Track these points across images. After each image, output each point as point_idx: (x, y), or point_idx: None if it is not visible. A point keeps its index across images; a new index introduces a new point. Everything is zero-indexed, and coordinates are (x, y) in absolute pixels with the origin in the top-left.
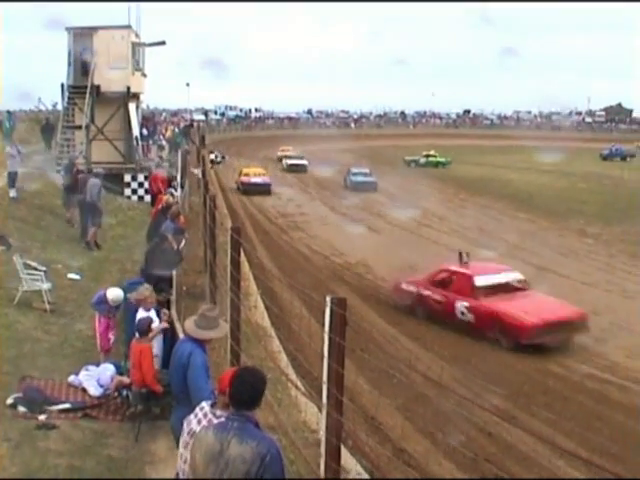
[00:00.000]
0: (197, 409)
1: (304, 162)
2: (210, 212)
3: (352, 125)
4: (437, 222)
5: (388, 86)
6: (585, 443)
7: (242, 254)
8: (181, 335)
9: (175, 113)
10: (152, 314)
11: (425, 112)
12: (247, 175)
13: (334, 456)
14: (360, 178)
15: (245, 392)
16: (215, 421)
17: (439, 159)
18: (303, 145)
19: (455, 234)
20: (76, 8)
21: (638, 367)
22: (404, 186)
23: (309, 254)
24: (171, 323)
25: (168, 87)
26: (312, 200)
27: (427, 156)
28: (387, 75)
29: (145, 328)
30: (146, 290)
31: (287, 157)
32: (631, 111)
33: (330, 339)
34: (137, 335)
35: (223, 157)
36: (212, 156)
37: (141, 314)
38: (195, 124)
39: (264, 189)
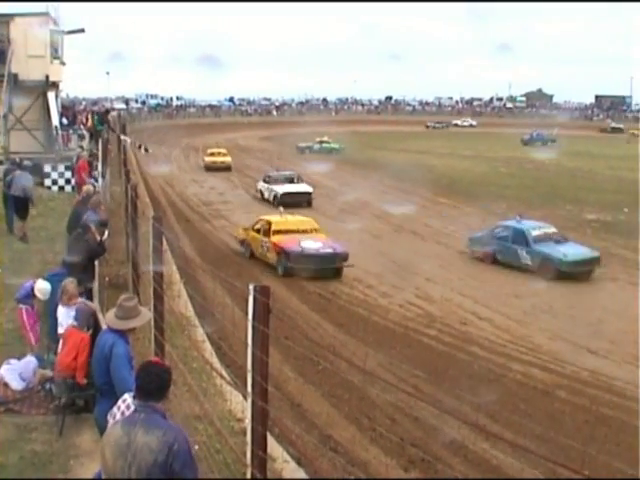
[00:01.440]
0: (120, 401)
1: (307, 189)
2: (132, 201)
3: (274, 112)
4: (360, 208)
5: (310, 74)
6: (510, 425)
7: (164, 243)
8: (104, 327)
9: (95, 102)
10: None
11: (347, 99)
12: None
13: (260, 444)
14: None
15: (152, 383)
16: None
17: (332, 145)
18: (225, 133)
19: (379, 220)
20: None
21: (560, 349)
22: (330, 174)
23: (232, 242)
24: (94, 315)
25: (88, 76)
26: (235, 188)
27: (321, 142)
28: (309, 63)
29: (86, 317)
30: (70, 283)
31: (271, 180)
32: (551, 96)
33: (254, 327)
34: (75, 323)
35: (146, 150)
36: (135, 145)
37: (61, 310)
38: (115, 112)
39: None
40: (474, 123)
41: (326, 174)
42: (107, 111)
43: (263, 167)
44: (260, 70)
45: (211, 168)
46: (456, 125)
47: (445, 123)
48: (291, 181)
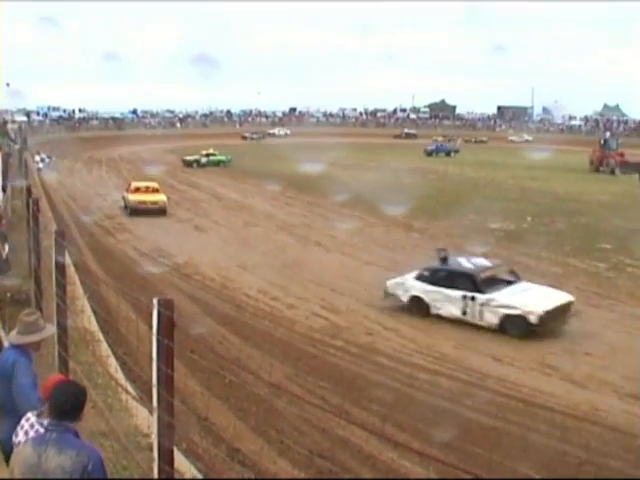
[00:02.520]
0: (23, 420)
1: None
2: (33, 216)
3: (178, 125)
4: (264, 220)
5: (213, 85)
6: (417, 434)
7: (67, 258)
8: (5, 344)
9: None
10: None
11: (251, 111)
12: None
13: (167, 459)
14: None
15: (67, 402)
16: (42, 430)
17: (220, 157)
18: (128, 146)
19: (283, 232)
20: None
21: (465, 357)
22: (234, 185)
23: (136, 256)
24: None
25: None
26: None
27: (207, 155)
28: (211, 75)
29: None
30: None
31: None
32: (454, 107)
33: (158, 341)
34: None
35: (50, 157)
36: (37, 158)
37: None
38: (16, 125)
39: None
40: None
41: (227, 186)
42: (5, 122)
43: (167, 180)
44: (163, 81)
45: (138, 211)
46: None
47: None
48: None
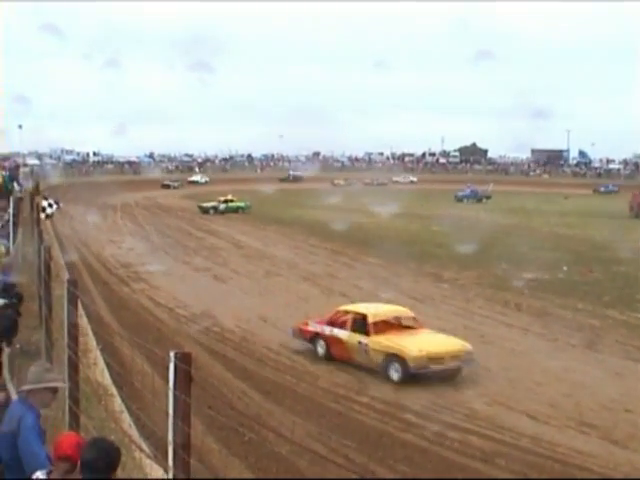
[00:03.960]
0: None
1: None
2: (45, 263)
3: (196, 169)
4: (286, 269)
5: (233, 129)
6: None
7: (80, 308)
8: (14, 397)
9: (5, 158)
10: None
11: (273, 155)
12: None
13: None
14: None
15: (101, 459)
16: None
17: (238, 204)
18: (144, 191)
19: (306, 282)
20: None
21: (498, 414)
22: (252, 233)
23: (152, 307)
24: (3, 386)
25: None
26: (155, 250)
27: (225, 201)
28: (231, 118)
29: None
30: None
31: None
32: (486, 151)
33: (175, 397)
34: None
35: (57, 203)
36: (45, 203)
37: None
38: (28, 169)
39: None
40: (414, 179)
41: (247, 233)
42: (17, 166)
43: (184, 227)
44: (180, 124)
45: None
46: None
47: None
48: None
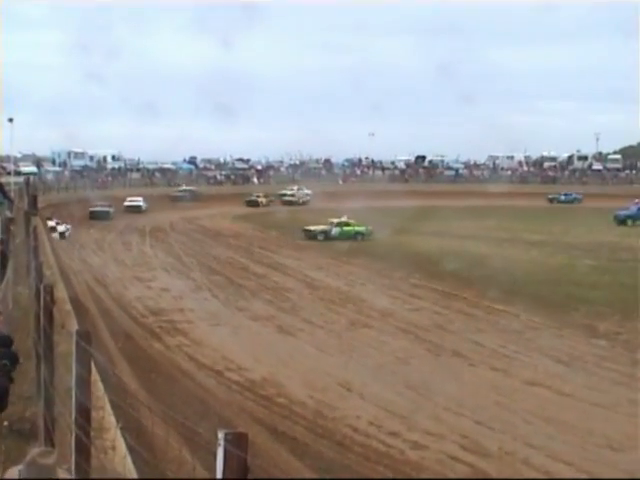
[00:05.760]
0: None
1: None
2: (45, 309)
3: (255, 180)
4: (378, 319)
5: (303, 126)
6: None
7: (93, 370)
8: None
9: None
10: None
11: (360, 160)
12: None
13: None
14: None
15: None
16: None
17: (357, 228)
18: (183, 210)
19: (405, 336)
20: None
21: None
22: (331, 267)
23: (193, 369)
24: None
25: None
26: (197, 289)
27: (339, 224)
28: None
29: None
30: None
31: None
32: None
33: None
34: None
35: (66, 225)
36: (53, 222)
37: None
38: (22, 179)
39: None
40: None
41: (323, 268)
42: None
43: (239, 259)
44: (230, 119)
45: None
46: None
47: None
48: None
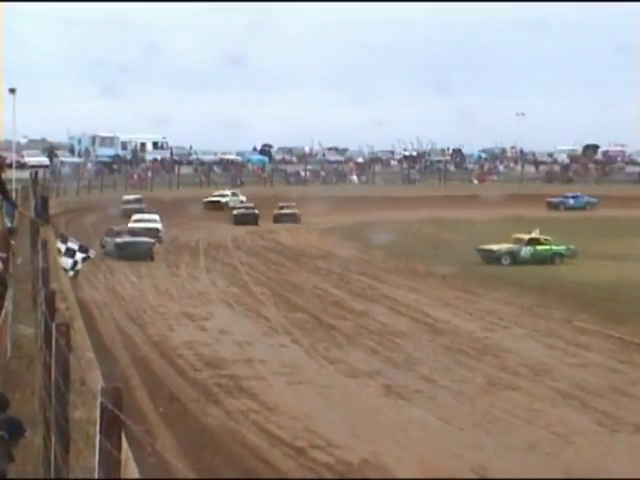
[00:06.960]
0: None
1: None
2: (58, 357)
3: (354, 177)
4: (528, 378)
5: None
6: None
7: (124, 445)
8: None
9: None
10: None
11: (504, 150)
12: None
13: None
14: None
15: None
16: None
17: (555, 248)
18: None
19: (568, 403)
20: None
21: None
22: (459, 303)
23: (265, 446)
24: None
25: None
26: (271, 332)
27: (531, 242)
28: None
29: None
30: None
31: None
32: None
33: None
34: None
35: (85, 250)
36: (63, 246)
37: None
38: (30, 172)
39: None
40: None
41: (449, 303)
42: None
43: (329, 289)
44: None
45: None
46: None
47: None
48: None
